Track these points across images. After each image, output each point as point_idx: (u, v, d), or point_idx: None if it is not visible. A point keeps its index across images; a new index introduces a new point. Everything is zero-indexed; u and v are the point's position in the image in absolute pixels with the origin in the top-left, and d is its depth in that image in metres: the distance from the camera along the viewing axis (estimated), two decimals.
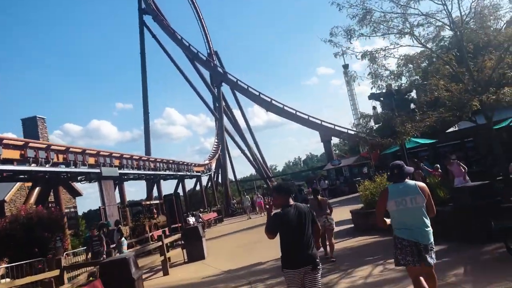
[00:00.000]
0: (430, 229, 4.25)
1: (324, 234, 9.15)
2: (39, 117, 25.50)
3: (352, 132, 41.67)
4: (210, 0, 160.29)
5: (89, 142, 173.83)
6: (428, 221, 4.27)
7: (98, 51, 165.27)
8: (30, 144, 17.80)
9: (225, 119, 50.95)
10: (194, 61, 47.68)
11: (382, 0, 10.10)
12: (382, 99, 13.50)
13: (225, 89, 52.12)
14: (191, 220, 22.04)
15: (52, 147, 19.41)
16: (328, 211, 9.50)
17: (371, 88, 10.60)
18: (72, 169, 20.15)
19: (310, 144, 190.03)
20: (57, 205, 19.91)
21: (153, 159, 32.88)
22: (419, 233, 4.19)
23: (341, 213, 15.16)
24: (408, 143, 22.10)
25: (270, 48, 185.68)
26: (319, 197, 9.78)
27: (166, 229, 16.51)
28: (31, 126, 25.04)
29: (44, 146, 18.91)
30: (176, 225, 14.30)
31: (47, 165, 18.72)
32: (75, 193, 29.17)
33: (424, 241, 4.19)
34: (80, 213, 37.00)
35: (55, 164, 19.48)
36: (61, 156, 20.13)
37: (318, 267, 4.10)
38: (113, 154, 25.43)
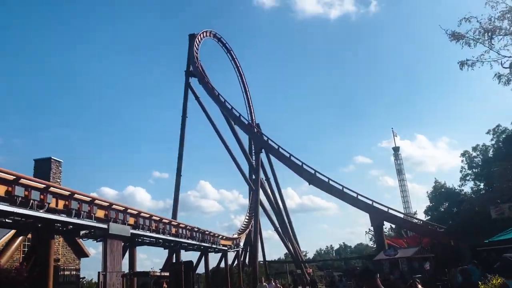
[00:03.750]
0: None
1: None
2: (54, 159, 22.40)
3: (414, 219, 36.26)
4: (257, 75, 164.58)
5: None
6: None
7: (140, 116, 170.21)
8: (22, 181, 14.26)
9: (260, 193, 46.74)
10: (234, 126, 45.15)
11: None
12: None
13: (263, 161, 48.96)
14: None
15: (52, 189, 15.77)
16: None
17: None
18: (71, 219, 16.24)
19: (345, 234, 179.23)
20: (45, 263, 15.76)
21: (175, 223, 28.60)
22: None
23: None
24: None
25: (308, 133, 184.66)
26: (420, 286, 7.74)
27: None
28: (43, 169, 21.87)
29: (41, 186, 15.32)
30: None
31: (40, 210, 14.99)
32: (81, 253, 25.01)
33: None
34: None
35: (52, 211, 15.70)
36: (61, 202, 16.42)
37: None
38: (129, 210, 21.52)
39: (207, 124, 48.08)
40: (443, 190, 61.84)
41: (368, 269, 4.57)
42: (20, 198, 13.89)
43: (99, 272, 17.74)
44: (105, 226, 18.34)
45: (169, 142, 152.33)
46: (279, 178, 52.81)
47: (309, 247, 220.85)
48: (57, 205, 16.03)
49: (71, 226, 18.13)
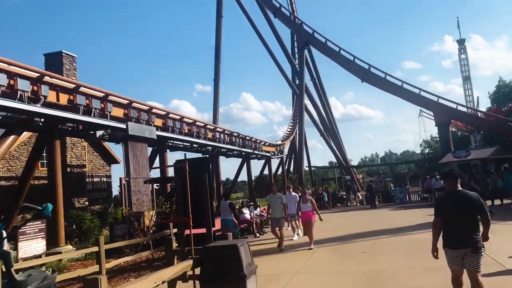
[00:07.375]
0: None
1: None
2: (65, 54, 19.29)
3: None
4: None
5: None
6: None
7: (179, 30, 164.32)
8: (3, 66, 11.19)
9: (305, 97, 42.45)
10: (274, 19, 39.77)
11: None
12: None
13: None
14: (246, 213, 14.46)
15: (47, 78, 12.73)
16: None
17: None
18: (74, 115, 13.38)
19: (390, 142, 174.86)
20: (51, 167, 13.40)
21: (211, 127, 25.82)
22: None
23: None
24: None
25: (353, 38, 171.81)
26: None
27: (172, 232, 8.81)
28: (55, 64, 18.91)
29: (34, 76, 12.29)
30: (196, 229, 6.04)
31: (37, 104, 12.15)
32: (109, 159, 23.02)
33: None
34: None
35: (51, 106, 12.86)
36: (64, 96, 13.51)
37: (480, 250, 4.17)
38: (154, 110, 18.61)
39: (245, 27, 43.29)
40: (507, 89, 55.01)
41: (454, 171, 4.90)
42: (2, 88, 10.97)
43: (120, 178, 15.37)
44: (123, 126, 15.55)
45: (208, 54, 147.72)
46: (328, 81, 48.11)
47: (353, 155, 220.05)
48: (58, 99, 13.15)
49: (86, 126, 15.55)
